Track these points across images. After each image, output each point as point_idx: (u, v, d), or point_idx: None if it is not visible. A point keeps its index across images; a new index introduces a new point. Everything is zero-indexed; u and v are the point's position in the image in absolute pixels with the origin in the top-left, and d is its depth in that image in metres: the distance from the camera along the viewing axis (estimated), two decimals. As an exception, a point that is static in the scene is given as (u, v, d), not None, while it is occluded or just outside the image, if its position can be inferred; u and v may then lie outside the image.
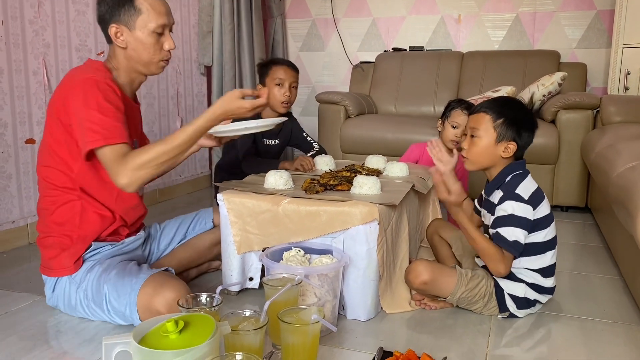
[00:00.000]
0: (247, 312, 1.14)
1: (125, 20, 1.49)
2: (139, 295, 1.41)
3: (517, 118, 1.62)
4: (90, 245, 1.55)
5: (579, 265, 2.14)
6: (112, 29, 1.50)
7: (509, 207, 1.57)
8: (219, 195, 1.74)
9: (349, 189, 1.78)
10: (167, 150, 1.39)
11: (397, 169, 2.09)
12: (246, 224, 1.71)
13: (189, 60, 3.57)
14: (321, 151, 2.48)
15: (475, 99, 3.40)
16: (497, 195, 1.63)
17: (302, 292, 1.46)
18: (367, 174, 1.96)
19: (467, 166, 1.68)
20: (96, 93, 1.41)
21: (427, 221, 2.25)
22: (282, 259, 1.58)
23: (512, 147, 1.62)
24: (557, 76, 3.14)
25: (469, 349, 1.45)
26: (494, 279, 1.65)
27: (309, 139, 2.53)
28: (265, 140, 2.39)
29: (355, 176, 1.83)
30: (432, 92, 3.75)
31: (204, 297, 1.25)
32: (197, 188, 3.71)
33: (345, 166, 2.13)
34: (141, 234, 1.73)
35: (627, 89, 3.25)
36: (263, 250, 1.65)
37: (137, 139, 1.68)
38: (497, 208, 1.60)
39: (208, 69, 3.75)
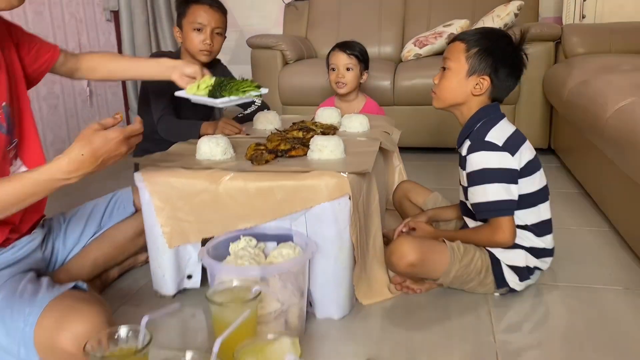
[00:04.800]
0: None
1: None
2: (37, 332, 1.00)
3: (496, 50, 1.33)
4: None
5: (562, 217, 1.89)
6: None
7: (481, 160, 1.31)
8: (136, 175, 1.33)
9: (305, 154, 1.42)
10: None
11: (356, 124, 1.75)
12: (177, 209, 1.31)
13: (90, 4, 2.98)
14: (263, 106, 2.05)
15: (426, 36, 3.07)
16: (466, 146, 1.36)
17: (260, 299, 1.11)
18: (323, 133, 1.61)
19: (434, 103, 1.42)
20: None
21: (392, 179, 1.94)
22: (230, 253, 1.22)
23: (485, 83, 1.33)
24: (513, 6, 2.85)
25: (473, 346, 1.17)
26: (487, 250, 1.37)
27: (246, 92, 2.11)
28: None
29: (312, 137, 1.47)
30: (376, 31, 3.38)
31: (123, 332, 0.87)
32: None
33: (294, 123, 1.75)
34: (37, 231, 1.30)
35: (584, 17, 3.01)
36: (203, 245, 1.28)
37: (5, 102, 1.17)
38: (467, 162, 1.34)
39: (115, 15, 3.18)
